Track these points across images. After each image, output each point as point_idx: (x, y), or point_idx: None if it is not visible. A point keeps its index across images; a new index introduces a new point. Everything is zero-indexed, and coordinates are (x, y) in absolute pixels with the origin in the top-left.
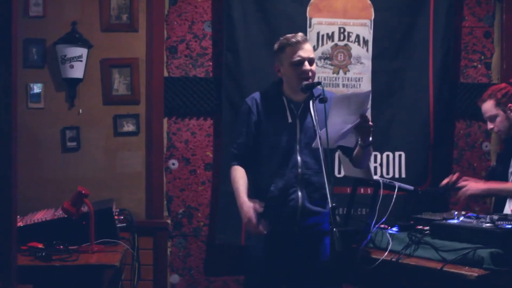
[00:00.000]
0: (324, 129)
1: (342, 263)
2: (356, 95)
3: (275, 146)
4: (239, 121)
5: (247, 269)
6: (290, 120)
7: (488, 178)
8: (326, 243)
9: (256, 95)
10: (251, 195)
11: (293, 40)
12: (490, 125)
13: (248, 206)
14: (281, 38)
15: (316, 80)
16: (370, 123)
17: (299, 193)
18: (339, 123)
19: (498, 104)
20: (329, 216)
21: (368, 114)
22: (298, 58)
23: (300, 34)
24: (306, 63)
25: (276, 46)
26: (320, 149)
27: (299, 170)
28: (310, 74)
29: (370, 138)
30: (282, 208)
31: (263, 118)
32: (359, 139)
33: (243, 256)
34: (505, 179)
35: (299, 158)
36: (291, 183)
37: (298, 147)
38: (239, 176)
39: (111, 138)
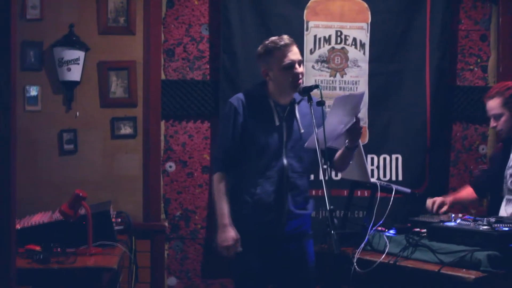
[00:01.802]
0: (320, 129)
1: (339, 266)
2: (352, 96)
3: (262, 149)
4: (224, 123)
5: (235, 274)
6: (277, 123)
7: (477, 181)
8: (311, 245)
9: (241, 95)
10: (234, 197)
11: (282, 43)
12: (493, 123)
13: (233, 235)
14: (266, 42)
15: (313, 83)
16: (361, 125)
17: (285, 197)
18: (334, 123)
19: (505, 103)
20: (309, 217)
21: (365, 116)
22: (289, 61)
23: (286, 36)
24: (297, 65)
25: (261, 50)
26: (318, 149)
27: (285, 173)
28: (300, 76)
29: (361, 144)
30: (268, 212)
31: (250, 119)
32: (347, 141)
33: (232, 261)
34: (499, 180)
35: (285, 161)
36: (277, 186)
37: (284, 150)
38: (223, 192)
39: (108, 140)
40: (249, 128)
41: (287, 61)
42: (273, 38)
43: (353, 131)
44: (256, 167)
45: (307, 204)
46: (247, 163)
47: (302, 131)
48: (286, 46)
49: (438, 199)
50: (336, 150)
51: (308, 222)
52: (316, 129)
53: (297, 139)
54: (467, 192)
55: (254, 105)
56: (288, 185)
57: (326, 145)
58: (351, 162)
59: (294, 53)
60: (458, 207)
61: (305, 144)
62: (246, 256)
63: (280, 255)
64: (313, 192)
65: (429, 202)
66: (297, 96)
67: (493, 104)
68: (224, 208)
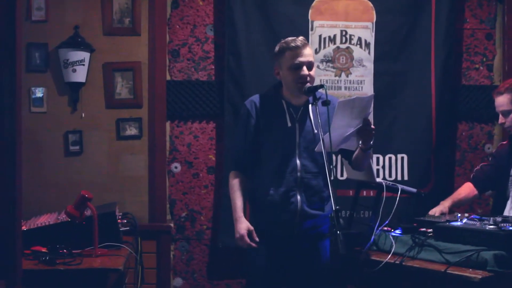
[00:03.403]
0: (328, 133)
1: (346, 266)
2: (360, 99)
3: (274, 150)
4: (238, 125)
5: (248, 273)
6: (289, 124)
7: (479, 177)
8: (326, 245)
9: (255, 98)
10: (250, 198)
11: (293, 44)
12: (501, 120)
13: (244, 226)
14: (282, 41)
15: (318, 83)
16: (372, 126)
17: (298, 197)
18: (342, 126)
19: None
20: (328, 218)
21: (371, 116)
22: (297, 62)
23: (300, 38)
24: (305, 67)
25: (276, 49)
26: (323, 152)
27: (298, 173)
28: (308, 78)
29: (371, 142)
30: (281, 212)
31: (263, 121)
32: (360, 142)
33: (244, 260)
34: (504, 178)
35: (298, 161)
36: (290, 186)
37: (297, 151)
38: (237, 187)
39: (114, 141)
40: (262, 129)
41: (295, 62)
42: (288, 38)
43: (365, 132)
44: (269, 168)
45: (324, 204)
46: (261, 164)
47: (316, 131)
48: (297, 48)
49: (437, 211)
50: (353, 152)
51: (326, 223)
52: (322, 133)
53: (311, 139)
54: (466, 191)
55: (267, 106)
56: (301, 186)
57: (338, 147)
58: (370, 161)
59: (304, 55)
60: (464, 206)
61: (316, 148)
62: (259, 255)
63: (294, 254)
64: None
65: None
66: (317, 94)
67: (503, 100)
68: (237, 202)
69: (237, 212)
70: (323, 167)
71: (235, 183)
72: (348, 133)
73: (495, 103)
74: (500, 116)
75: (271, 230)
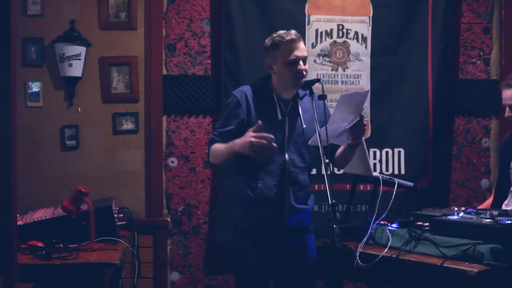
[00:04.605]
0: (324, 127)
1: (342, 260)
2: (358, 93)
3: None
4: (225, 113)
5: (237, 270)
6: (280, 118)
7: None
8: (312, 239)
9: (246, 89)
10: (236, 192)
11: (288, 38)
12: (508, 113)
13: (245, 136)
14: (274, 35)
15: (315, 77)
16: (364, 122)
17: (286, 191)
18: (338, 121)
19: None
20: (310, 212)
21: (367, 110)
22: (294, 57)
23: (293, 31)
24: (301, 62)
25: (268, 42)
26: (320, 146)
27: (287, 168)
28: (304, 73)
29: (363, 138)
30: (270, 206)
31: (252, 113)
32: (351, 138)
33: (232, 257)
34: (504, 171)
35: (286, 155)
36: (278, 180)
37: (286, 145)
38: (221, 144)
39: (110, 136)
40: (252, 122)
41: (292, 56)
42: (281, 32)
43: (357, 128)
44: (257, 161)
45: (308, 199)
46: (249, 158)
47: (304, 126)
48: (293, 42)
49: None
50: (337, 147)
51: (309, 217)
52: (319, 126)
53: (299, 134)
54: None
55: (258, 99)
56: (289, 180)
57: (329, 142)
58: (366, 155)
59: (300, 50)
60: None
61: (309, 142)
62: (247, 250)
63: (282, 249)
64: (316, 187)
65: None
66: (301, 91)
67: (510, 94)
68: (226, 144)
69: (232, 144)
70: (309, 162)
71: (220, 144)
72: (343, 128)
73: (503, 96)
74: (508, 109)
75: (259, 224)
